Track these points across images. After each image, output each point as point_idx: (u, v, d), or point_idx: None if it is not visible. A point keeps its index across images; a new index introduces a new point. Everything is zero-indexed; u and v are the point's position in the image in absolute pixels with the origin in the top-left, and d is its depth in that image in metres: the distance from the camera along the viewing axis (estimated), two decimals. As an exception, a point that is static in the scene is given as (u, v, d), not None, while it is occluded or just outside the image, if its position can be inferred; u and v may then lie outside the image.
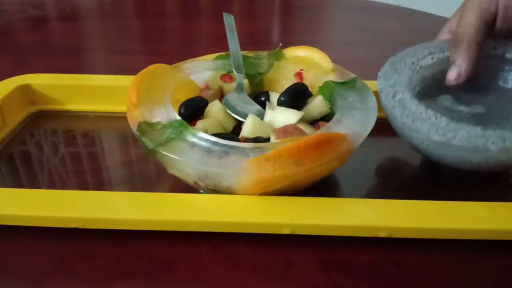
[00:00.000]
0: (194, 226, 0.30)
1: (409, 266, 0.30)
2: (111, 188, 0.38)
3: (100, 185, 0.39)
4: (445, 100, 0.40)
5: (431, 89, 0.35)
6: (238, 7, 1.02)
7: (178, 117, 0.34)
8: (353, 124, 0.34)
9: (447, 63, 0.39)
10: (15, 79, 0.48)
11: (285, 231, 0.30)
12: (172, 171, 0.33)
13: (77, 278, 0.29)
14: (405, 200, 0.31)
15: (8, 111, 0.45)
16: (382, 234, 0.30)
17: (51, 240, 0.31)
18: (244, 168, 0.29)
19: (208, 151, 0.30)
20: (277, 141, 0.33)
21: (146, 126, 0.33)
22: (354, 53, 0.68)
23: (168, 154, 0.30)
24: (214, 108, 0.38)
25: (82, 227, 0.30)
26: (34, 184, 0.38)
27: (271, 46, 0.51)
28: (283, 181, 0.30)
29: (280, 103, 0.38)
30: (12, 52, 0.71)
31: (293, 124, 0.35)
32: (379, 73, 0.38)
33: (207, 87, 0.42)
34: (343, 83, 0.39)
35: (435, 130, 0.31)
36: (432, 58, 0.39)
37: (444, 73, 0.39)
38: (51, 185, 0.38)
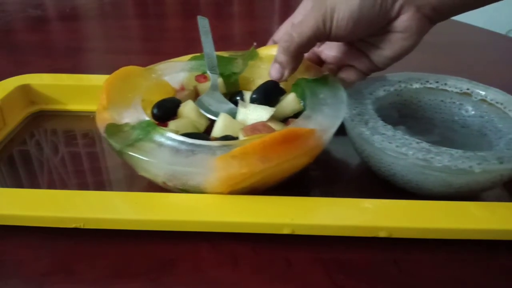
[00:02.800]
0: (194, 226, 0.30)
1: (409, 266, 0.30)
2: (111, 188, 0.38)
3: (100, 185, 0.39)
4: (401, 130, 0.40)
5: (386, 120, 0.35)
6: (238, 7, 1.02)
7: (147, 118, 0.34)
8: (323, 120, 0.34)
9: (398, 95, 0.42)
10: (15, 79, 0.48)
11: (285, 231, 0.29)
12: (141, 172, 0.32)
13: (77, 278, 0.29)
14: (405, 200, 0.31)
15: (8, 111, 0.45)
16: (382, 234, 0.30)
17: (51, 240, 0.31)
18: (211, 166, 0.29)
19: (175, 150, 0.30)
20: (245, 138, 0.32)
21: (114, 128, 0.33)
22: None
23: (135, 155, 0.30)
24: (187, 108, 0.38)
25: (82, 227, 0.30)
26: (34, 184, 0.38)
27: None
28: (250, 178, 0.30)
29: (252, 100, 0.38)
30: (12, 52, 0.71)
31: (262, 122, 0.34)
32: None
33: (182, 88, 0.42)
34: (315, 80, 0.39)
35: (422, 154, 0.31)
36: (384, 91, 0.41)
37: (395, 105, 0.42)
38: (51, 185, 0.38)
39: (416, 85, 0.42)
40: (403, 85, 0.42)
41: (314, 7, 0.35)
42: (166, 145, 0.31)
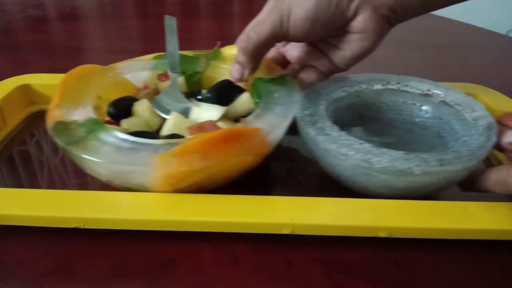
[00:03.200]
0: (194, 226, 0.30)
1: (409, 266, 0.30)
2: (111, 188, 0.38)
3: (100, 185, 0.39)
4: (358, 131, 0.41)
5: (344, 121, 0.35)
6: (238, 7, 1.02)
7: (94, 116, 0.34)
8: (273, 119, 0.33)
9: (358, 97, 0.41)
10: (15, 79, 0.48)
11: (285, 231, 0.29)
12: (87, 170, 0.32)
13: (77, 278, 0.29)
14: (405, 200, 0.31)
15: (8, 111, 0.45)
16: (382, 234, 0.30)
17: (51, 240, 0.31)
18: (152, 164, 0.29)
19: (117, 148, 0.30)
20: (189, 137, 0.32)
21: (62, 126, 0.32)
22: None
23: (77, 153, 0.30)
24: (141, 107, 0.38)
25: (82, 227, 0.30)
26: (34, 184, 0.38)
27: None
28: (191, 177, 0.30)
29: (206, 99, 0.38)
30: (12, 52, 0.71)
31: (210, 121, 0.34)
32: None
33: (145, 87, 0.42)
34: (272, 79, 0.39)
35: (361, 155, 0.31)
36: (344, 91, 0.40)
37: (355, 106, 0.42)
38: (51, 185, 0.38)
39: (377, 86, 0.41)
40: (363, 86, 0.41)
41: (273, 7, 0.35)
42: (109, 143, 0.31)
